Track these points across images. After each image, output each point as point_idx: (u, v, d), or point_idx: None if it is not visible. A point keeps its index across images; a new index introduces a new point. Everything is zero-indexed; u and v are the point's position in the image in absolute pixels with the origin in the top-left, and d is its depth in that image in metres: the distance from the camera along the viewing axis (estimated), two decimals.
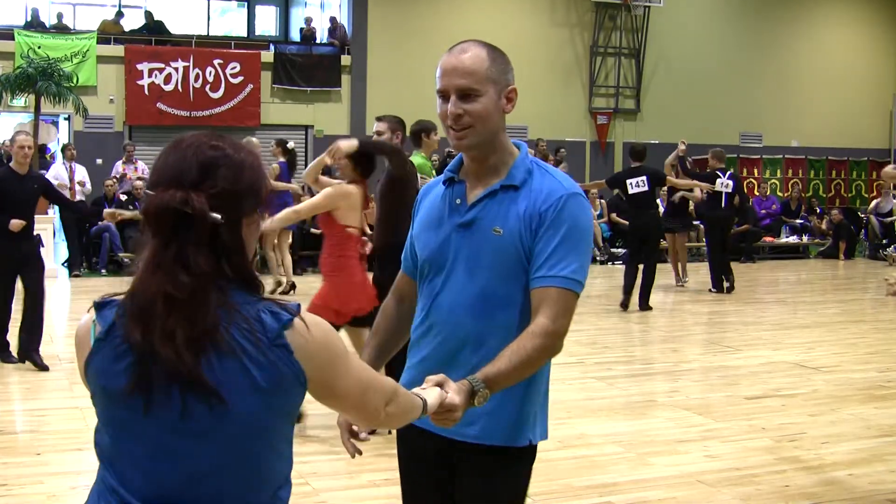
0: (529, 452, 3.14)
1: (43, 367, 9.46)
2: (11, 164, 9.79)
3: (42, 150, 14.96)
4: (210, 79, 22.83)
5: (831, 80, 28.00)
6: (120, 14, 23.89)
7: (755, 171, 25.53)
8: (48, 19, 23.33)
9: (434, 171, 10.49)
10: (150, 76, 22.46)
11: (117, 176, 18.55)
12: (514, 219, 2.97)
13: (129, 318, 2.06)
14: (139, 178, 18.20)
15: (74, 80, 20.17)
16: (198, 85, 22.74)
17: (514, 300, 2.99)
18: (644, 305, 13.77)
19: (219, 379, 2.04)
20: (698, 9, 27.25)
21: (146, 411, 2.06)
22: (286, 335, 2.09)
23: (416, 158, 10.57)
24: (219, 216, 2.05)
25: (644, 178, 14.00)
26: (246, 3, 26.41)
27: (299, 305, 2.16)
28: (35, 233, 9.91)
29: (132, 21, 24.47)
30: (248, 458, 2.11)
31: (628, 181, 14.15)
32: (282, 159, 15.93)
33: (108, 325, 2.11)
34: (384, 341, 3.28)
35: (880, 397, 8.91)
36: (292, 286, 15.17)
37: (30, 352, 9.62)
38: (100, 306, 2.15)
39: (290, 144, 16.00)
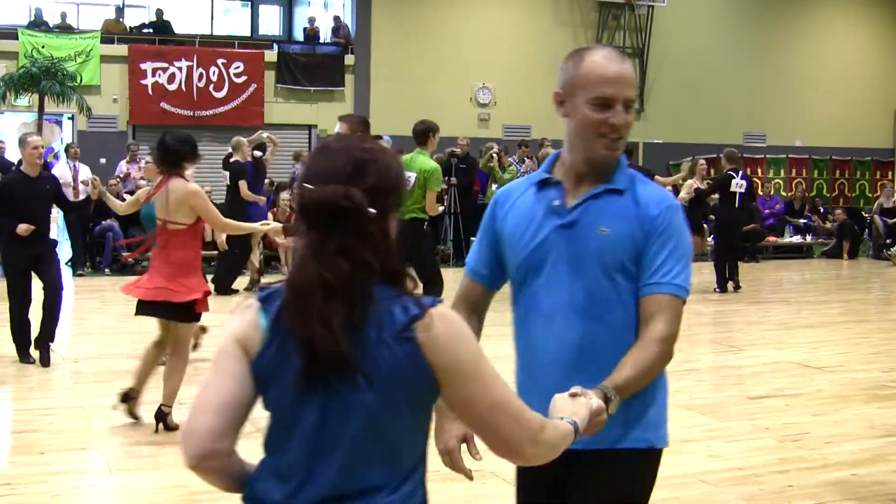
0: (655, 457, 3.17)
1: (46, 364, 9.46)
2: (23, 166, 9.74)
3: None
4: (214, 78, 22.84)
5: (835, 80, 27.96)
6: (121, 11, 23.88)
7: (759, 170, 25.44)
8: (52, 19, 23.33)
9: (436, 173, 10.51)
10: (153, 76, 22.47)
11: (121, 175, 18.54)
12: (623, 220, 3.02)
13: (288, 307, 2.21)
14: (142, 178, 18.17)
15: (78, 80, 20.19)
16: (201, 84, 22.75)
17: (620, 299, 3.04)
18: None
19: (362, 365, 2.18)
20: (702, 8, 27.21)
21: (306, 395, 2.22)
22: (414, 329, 2.21)
23: (423, 158, 10.61)
24: (373, 210, 2.21)
25: None
26: (249, 3, 26.41)
27: (435, 300, 2.26)
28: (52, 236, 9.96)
29: (137, 19, 24.48)
30: (384, 441, 2.23)
31: None
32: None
33: (273, 316, 2.25)
34: None
35: (884, 397, 8.89)
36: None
37: (43, 343, 9.65)
38: (263, 300, 2.29)
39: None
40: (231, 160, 14.87)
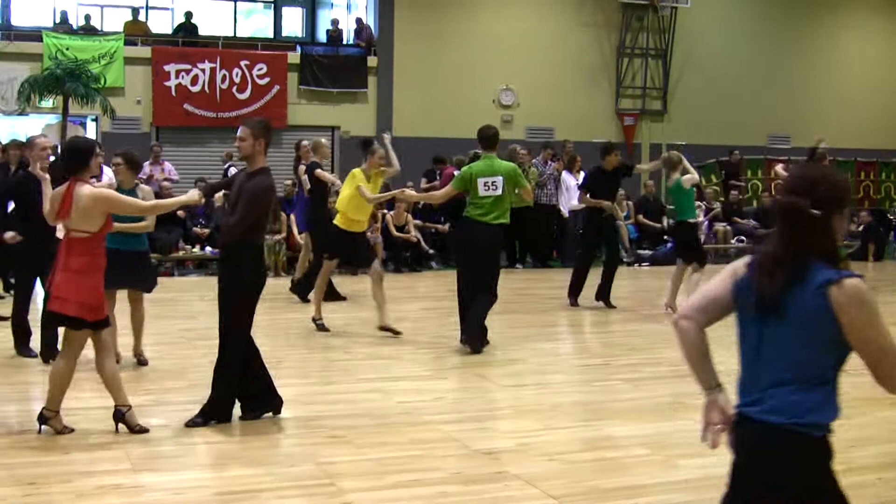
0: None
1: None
2: (31, 168, 9.77)
3: (53, 150, 14.96)
4: (237, 80, 22.88)
5: (860, 81, 27.79)
6: (137, 12, 23.94)
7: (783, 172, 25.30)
8: (76, 21, 23.42)
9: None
10: (177, 77, 22.52)
11: (144, 177, 18.59)
12: None
13: (755, 264, 3.57)
14: (166, 179, 18.27)
15: (102, 82, 20.25)
16: (224, 86, 22.79)
17: None
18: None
19: (788, 307, 3.46)
20: (725, 9, 27.10)
21: (754, 319, 3.57)
22: (828, 289, 3.40)
23: (500, 161, 10.75)
24: (818, 212, 3.45)
25: None
26: (272, 5, 26.45)
27: (853, 273, 3.42)
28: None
29: (160, 22, 24.58)
30: (799, 359, 3.49)
31: None
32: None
33: (750, 264, 3.61)
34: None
35: None
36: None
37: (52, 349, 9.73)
38: (753, 256, 3.62)
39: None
40: (308, 161, 14.49)
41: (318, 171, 13.65)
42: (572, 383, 9.46)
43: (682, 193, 13.52)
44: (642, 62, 26.31)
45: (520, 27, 25.01)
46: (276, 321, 12.52)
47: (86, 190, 7.13)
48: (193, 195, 7.74)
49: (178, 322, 12.13)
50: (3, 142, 14.12)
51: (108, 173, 16.97)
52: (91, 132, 22.53)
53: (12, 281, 14.63)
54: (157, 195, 17.32)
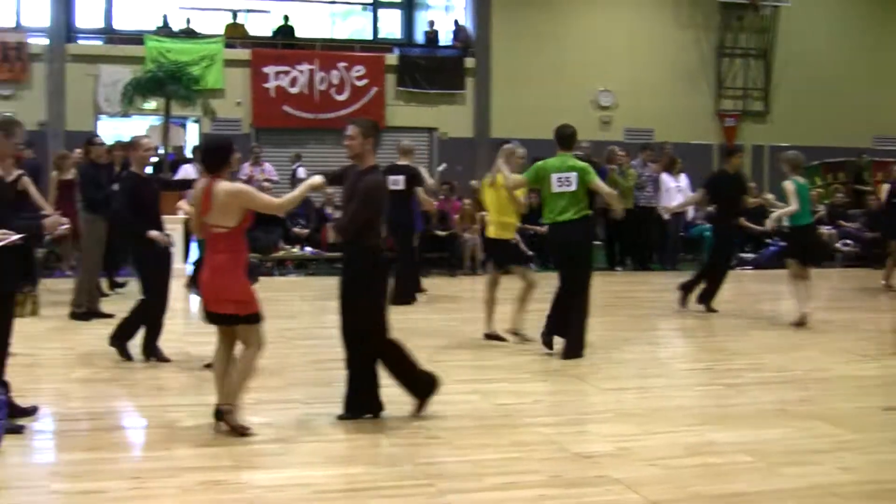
0: None
1: (164, 359, 9.87)
2: (134, 168, 9.87)
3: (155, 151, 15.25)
4: (335, 81, 23.09)
5: None
6: (236, 15, 24.25)
7: (890, 175, 24.72)
8: (177, 24, 23.82)
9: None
10: (276, 79, 22.80)
11: (244, 178, 18.81)
12: None
13: None
14: (266, 180, 18.44)
15: (202, 84, 20.54)
16: (323, 88, 23.02)
17: None
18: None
19: None
20: (828, 7, 26.62)
21: None
22: None
23: (574, 159, 10.62)
24: None
25: None
26: (371, 7, 26.61)
27: None
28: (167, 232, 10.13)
29: (259, 25, 24.89)
30: None
31: None
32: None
33: None
34: None
35: None
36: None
37: (152, 347, 10.00)
38: None
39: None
40: (401, 164, 14.52)
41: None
42: (673, 387, 9.33)
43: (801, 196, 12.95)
44: (743, 62, 25.98)
45: (618, 27, 24.85)
46: None
47: (223, 186, 7.26)
48: (317, 179, 7.78)
49: (278, 321, 12.20)
50: (108, 143, 14.36)
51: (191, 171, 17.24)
52: (192, 134, 22.89)
53: (117, 280, 14.97)
54: None
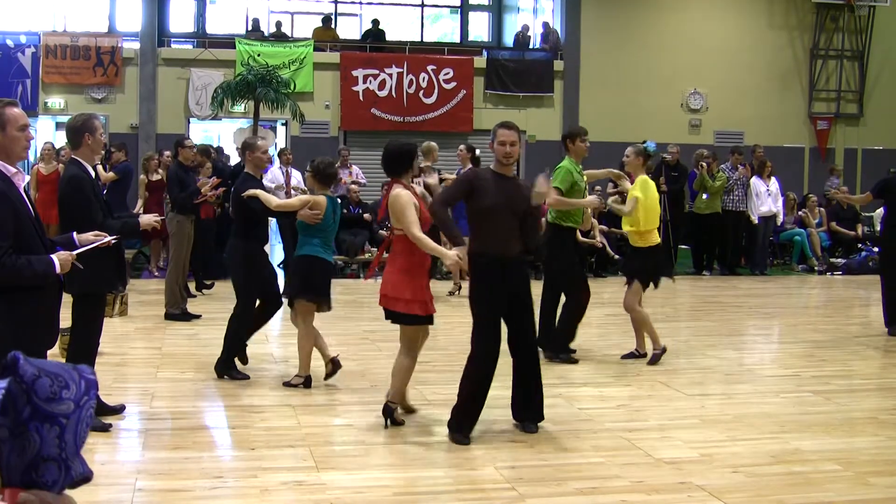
0: None
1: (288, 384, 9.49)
2: (249, 169, 9.53)
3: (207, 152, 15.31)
4: (423, 85, 23.15)
5: None
6: (327, 20, 24.44)
7: None
8: (267, 28, 24.09)
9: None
10: (364, 82, 22.93)
11: None
12: None
13: None
14: (353, 182, 18.55)
15: (292, 87, 20.73)
16: (411, 91, 23.10)
17: None
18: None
19: None
20: None
21: None
22: None
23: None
24: None
25: None
26: (459, 10, 26.66)
27: None
28: None
29: (349, 28, 25.07)
30: None
31: None
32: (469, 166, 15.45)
33: None
34: None
35: None
36: (459, 287, 15.13)
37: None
38: None
39: (478, 152, 15.67)
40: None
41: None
42: (759, 394, 9.19)
43: None
44: (837, 64, 25.51)
45: (708, 29, 24.58)
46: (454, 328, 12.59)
47: (396, 190, 7.52)
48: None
49: (362, 324, 12.29)
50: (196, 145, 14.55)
51: (296, 176, 17.43)
52: (281, 136, 23.13)
53: (205, 282, 15.15)
54: (343, 198, 17.70)
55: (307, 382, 8.89)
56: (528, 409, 7.58)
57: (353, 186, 18.21)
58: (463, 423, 7.31)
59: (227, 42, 22.94)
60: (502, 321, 7.41)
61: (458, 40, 26.32)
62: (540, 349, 8.13)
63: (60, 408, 2.06)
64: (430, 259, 7.72)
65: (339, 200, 9.81)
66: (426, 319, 7.57)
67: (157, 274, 16.33)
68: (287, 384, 8.91)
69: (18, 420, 2.02)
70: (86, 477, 2.14)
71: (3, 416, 2.01)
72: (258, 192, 9.09)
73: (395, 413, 7.60)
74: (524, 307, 7.48)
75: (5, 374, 2.04)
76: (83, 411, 2.11)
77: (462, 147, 15.27)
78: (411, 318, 7.48)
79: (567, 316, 10.36)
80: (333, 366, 8.99)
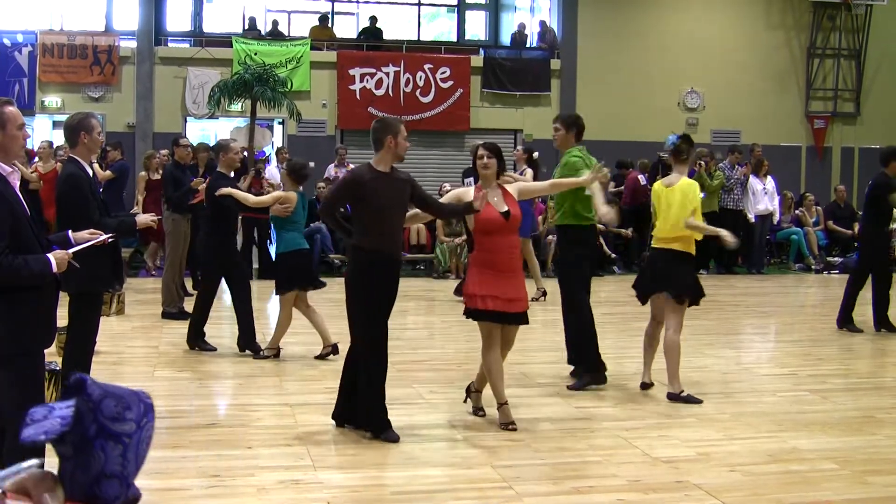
0: None
1: (259, 355, 10.19)
2: (221, 169, 10.44)
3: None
4: (420, 83, 23.13)
5: None
6: (324, 19, 24.41)
7: None
8: (264, 27, 24.05)
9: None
10: (361, 81, 22.91)
11: (329, 178, 18.95)
12: None
13: None
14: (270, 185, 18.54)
15: (289, 86, 20.71)
16: (408, 89, 23.08)
17: None
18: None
19: None
20: None
21: None
22: None
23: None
24: None
25: None
26: (456, 9, 26.64)
27: None
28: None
29: (346, 27, 25.04)
30: None
31: None
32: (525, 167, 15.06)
33: None
34: None
35: None
36: (543, 293, 14.89)
37: (250, 344, 10.36)
38: None
39: (536, 154, 15.23)
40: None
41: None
42: (756, 393, 9.19)
43: None
44: (834, 63, 25.50)
45: (706, 28, 24.57)
46: (451, 326, 12.57)
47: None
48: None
49: None
50: (192, 144, 14.54)
51: (271, 172, 17.43)
52: (278, 135, 23.11)
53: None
54: None
55: (278, 353, 10.07)
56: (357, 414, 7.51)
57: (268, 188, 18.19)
58: (384, 420, 7.32)
59: (224, 41, 22.90)
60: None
61: (454, 39, 26.28)
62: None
63: (124, 427, 2.17)
64: (503, 255, 7.59)
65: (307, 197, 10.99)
66: (475, 314, 7.60)
67: (153, 273, 16.32)
68: (319, 357, 9.99)
69: (85, 437, 2.11)
70: (137, 497, 2.22)
71: (70, 434, 2.09)
72: (232, 190, 10.20)
73: (472, 395, 8.05)
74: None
75: (72, 394, 2.13)
76: (143, 432, 2.24)
77: (519, 148, 15.16)
78: (466, 311, 7.73)
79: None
80: (332, 350, 9.87)
